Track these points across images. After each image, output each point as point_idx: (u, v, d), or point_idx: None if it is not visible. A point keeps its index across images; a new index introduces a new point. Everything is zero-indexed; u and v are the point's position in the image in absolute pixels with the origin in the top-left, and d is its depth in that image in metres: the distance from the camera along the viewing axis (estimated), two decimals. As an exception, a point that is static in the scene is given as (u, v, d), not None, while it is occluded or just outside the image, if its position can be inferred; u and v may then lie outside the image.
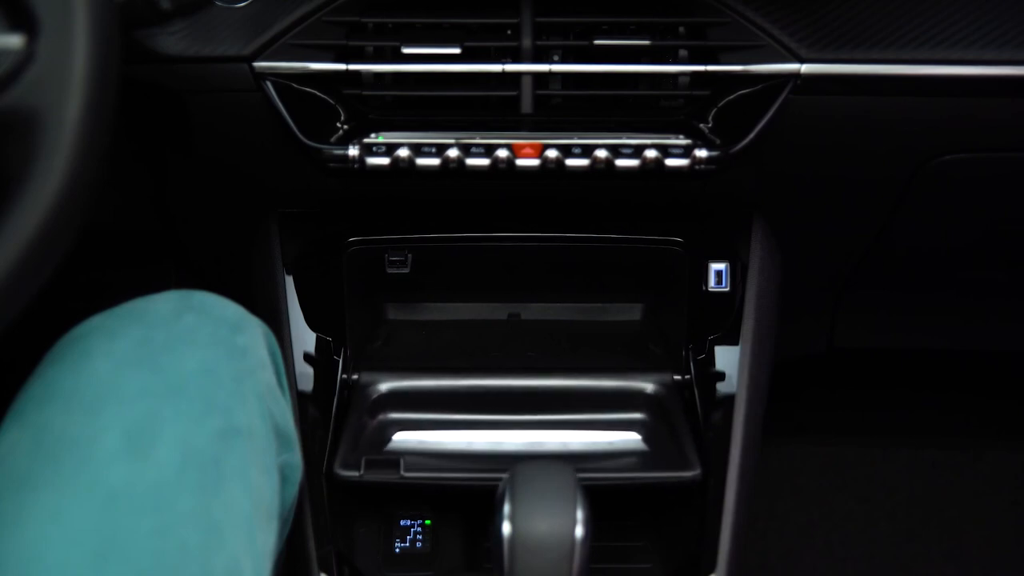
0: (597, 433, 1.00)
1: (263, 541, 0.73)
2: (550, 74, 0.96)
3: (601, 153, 0.93)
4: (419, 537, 1.01)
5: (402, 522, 1.02)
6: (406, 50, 0.95)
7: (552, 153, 0.93)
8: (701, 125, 0.95)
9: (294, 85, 0.94)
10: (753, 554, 1.49)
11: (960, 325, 1.35)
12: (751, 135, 0.95)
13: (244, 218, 1.08)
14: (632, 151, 0.94)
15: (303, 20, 0.94)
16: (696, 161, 0.94)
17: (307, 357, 1.03)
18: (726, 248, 1.07)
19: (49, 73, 0.64)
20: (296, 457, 0.83)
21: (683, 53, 0.96)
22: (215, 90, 0.95)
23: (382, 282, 1.10)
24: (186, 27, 0.92)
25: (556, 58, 0.96)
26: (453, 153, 0.93)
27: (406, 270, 1.09)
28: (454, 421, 1.01)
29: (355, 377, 1.04)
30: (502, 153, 0.93)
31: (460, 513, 1.03)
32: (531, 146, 0.94)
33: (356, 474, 0.95)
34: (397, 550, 1.01)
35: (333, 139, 0.94)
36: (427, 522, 1.02)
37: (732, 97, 0.95)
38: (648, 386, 1.04)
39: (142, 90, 0.94)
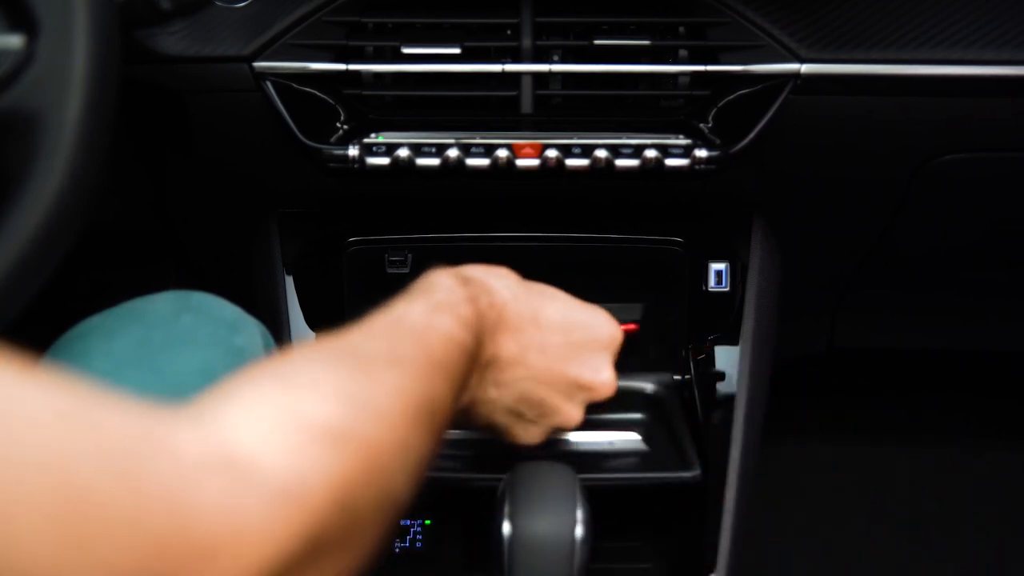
0: (597, 433, 1.00)
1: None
2: (550, 74, 0.96)
3: (601, 153, 0.93)
4: (419, 537, 1.01)
5: (402, 522, 1.02)
6: (406, 50, 0.95)
7: (552, 153, 0.93)
8: (701, 125, 0.95)
9: (294, 85, 0.94)
10: (753, 554, 1.49)
11: (960, 325, 1.35)
12: (751, 135, 0.95)
13: (244, 218, 1.08)
14: (632, 151, 0.94)
15: (303, 20, 0.94)
16: (696, 161, 0.94)
17: (307, 357, 1.03)
18: (726, 248, 1.07)
19: (49, 73, 0.64)
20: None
21: (683, 53, 0.96)
22: (215, 90, 0.95)
23: (382, 282, 1.10)
24: (186, 27, 0.92)
25: (556, 58, 0.96)
26: (453, 153, 0.93)
27: (406, 270, 1.09)
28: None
29: (355, 377, 1.04)
30: (502, 153, 0.93)
31: (460, 513, 1.03)
32: (531, 146, 0.94)
33: (356, 474, 0.95)
34: (397, 550, 1.01)
35: (333, 139, 0.94)
36: (427, 522, 1.02)
37: (732, 97, 0.95)
38: (647, 386, 1.04)
39: (142, 90, 0.94)
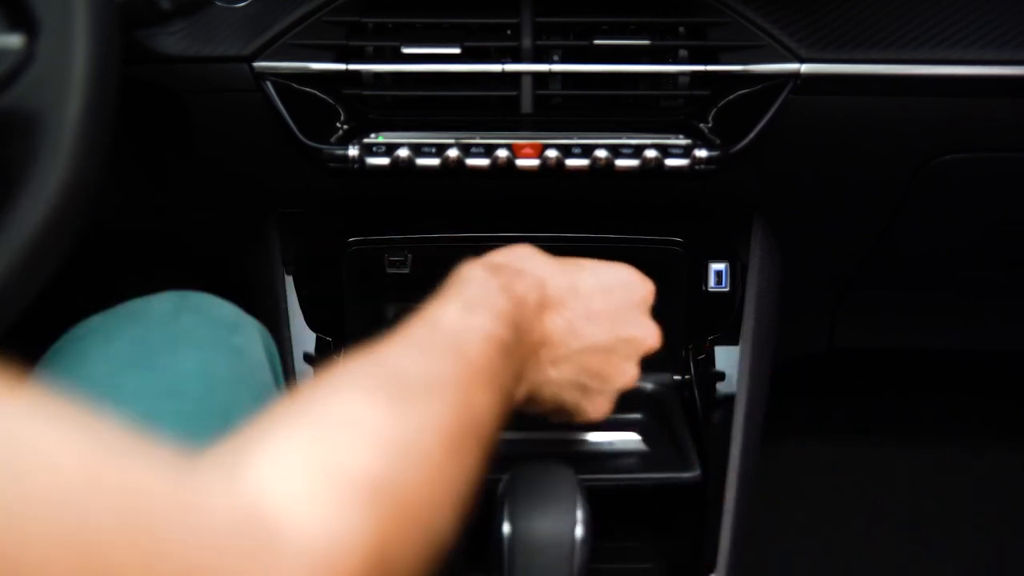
0: (597, 434, 1.00)
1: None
2: (550, 74, 0.96)
3: (601, 153, 0.93)
4: (419, 537, 1.01)
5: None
6: (406, 50, 0.95)
7: (552, 153, 0.93)
8: (701, 125, 0.95)
9: (294, 85, 0.94)
10: (753, 554, 1.49)
11: (960, 325, 1.35)
12: (751, 135, 0.95)
13: (244, 218, 1.08)
14: (632, 151, 0.94)
15: (303, 20, 0.94)
16: (696, 161, 0.94)
17: (307, 357, 1.03)
18: (726, 248, 1.07)
19: (49, 73, 0.64)
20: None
21: (683, 53, 0.96)
22: (215, 90, 0.95)
23: (382, 282, 1.10)
24: (186, 27, 0.92)
25: (556, 58, 0.96)
26: (453, 153, 0.93)
27: (406, 270, 1.09)
28: None
29: (355, 377, 1.04)
30: (502, 153, 0.93)
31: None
32: (531, 146, 0.94)
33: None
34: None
35: (333, 139, 0.94)
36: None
37: (732, 97, 0.95)
38: (647, 386, 1.04)
39: (142, 90, 0.94)
